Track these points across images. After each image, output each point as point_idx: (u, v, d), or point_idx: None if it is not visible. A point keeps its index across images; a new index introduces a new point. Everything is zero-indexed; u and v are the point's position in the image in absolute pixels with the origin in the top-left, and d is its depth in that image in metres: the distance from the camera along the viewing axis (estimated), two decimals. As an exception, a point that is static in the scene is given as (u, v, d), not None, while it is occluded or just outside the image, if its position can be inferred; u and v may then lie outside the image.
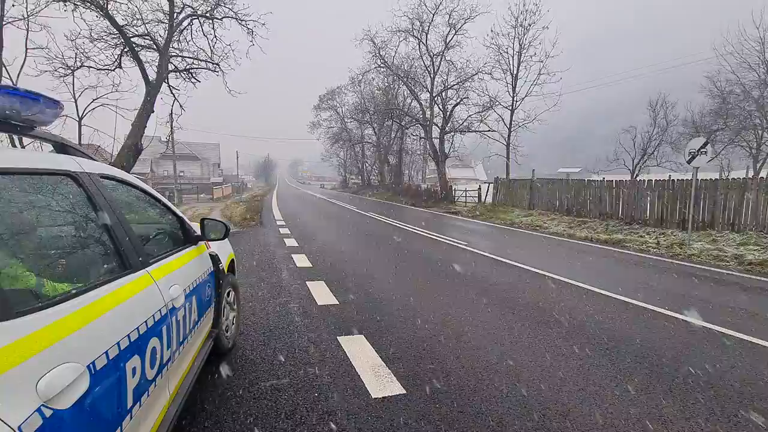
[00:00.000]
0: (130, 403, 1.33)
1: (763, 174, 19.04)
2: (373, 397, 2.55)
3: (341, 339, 3.44)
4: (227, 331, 3.05)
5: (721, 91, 19.84)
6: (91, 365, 1.13)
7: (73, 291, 1.24)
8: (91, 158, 1.79)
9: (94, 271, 1.46)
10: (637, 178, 18.24)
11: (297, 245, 8.18)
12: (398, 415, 2.36)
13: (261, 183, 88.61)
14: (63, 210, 1.47)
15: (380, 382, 2.73)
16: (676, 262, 7.74)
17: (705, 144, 9.03)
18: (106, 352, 1.22)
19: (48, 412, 0.93)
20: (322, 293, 4.78)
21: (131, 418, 1.33)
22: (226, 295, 3.05)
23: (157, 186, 36.43)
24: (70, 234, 1.49)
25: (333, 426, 2.24)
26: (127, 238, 1.62)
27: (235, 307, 3.34)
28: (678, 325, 4.06)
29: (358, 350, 3.23)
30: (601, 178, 14.57)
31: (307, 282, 5.27)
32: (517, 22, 20.14)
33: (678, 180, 11.43)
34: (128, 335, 1.37)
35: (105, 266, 1.51)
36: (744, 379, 2.94)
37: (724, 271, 6.96)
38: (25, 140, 8.88)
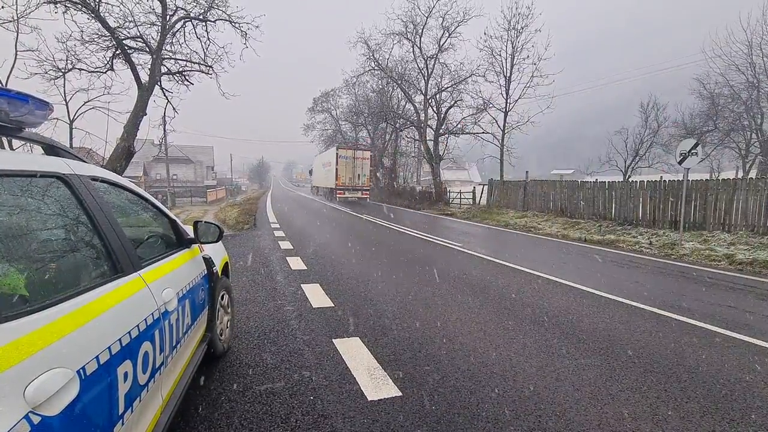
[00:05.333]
0: (121, 409, 1.31)
1: (752, 174, 19.37)
2: (368, 399, 2.53)
3: (336, 341, 3.42)
4: (221, 335, 3.02)
5: (710, 93, 20.13)
6: (81, 370, 1.11)
7: (63, 295, 1.21)
8: (82, 160, 1.77)
9: (84, 275, 1.44)
10: (630, 180, 18.42)
11: (291, 248, 8.15)
12: (394, 417, 2.35)
13: (255, 185, 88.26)
14: (52, 213, 1.44)
15: (376, 384, 2.72)
16: (669, 262, 7.82)
17: (695, 145, 9.15)
18: (97, 357, 1.20)
19: (36, 419, 0.91)
20: (317, 296, 4.76)
21: (123, 423, 1.31)
22: (220, 298, 3.02)
23: (150, 189, 36.16)
24: (60, 237, 1.46)
25: (328, 429, 2.23)
26: (118, 241, 1.60)
27: (229, 310, 3.31)
28: (671, 324, 4.09)
29: (354, 352, 3.21)
30: (594, 180, 14.70)
31: (301, 284, 5.24)
32: (509, 25, 20.29)
33: (669, 181, 11.56)
34: (119, 339, 1.35)
35: (95, 270, 1.49)
36: (737, 377, 2.96)
37: (715, 270, 7.04)
38: (15, 143, 8.77)
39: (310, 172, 30.67)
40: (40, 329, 1.04)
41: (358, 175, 25.68)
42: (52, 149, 1.65)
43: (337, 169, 24.94)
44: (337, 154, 25.26)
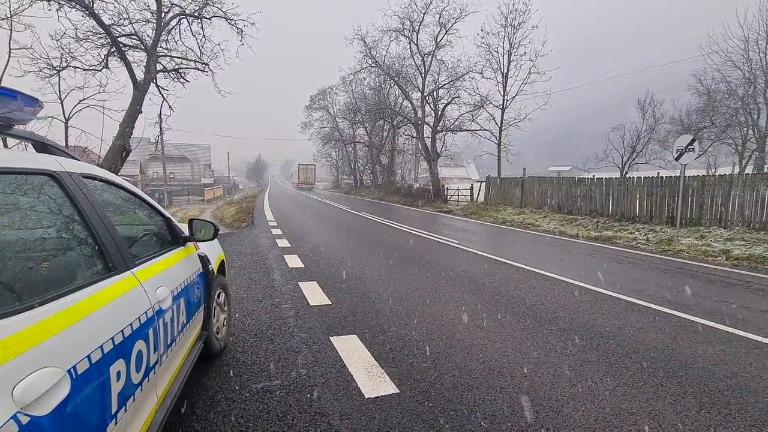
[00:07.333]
0: (114, 408, 1.29)
1: (748, 170, 19.43)
2: (366, 397, 2.53)
3: (334, 339, 3.41)
4: (218, 333, 3.01)
5: (707, 89, 20.14)
6: (72, 369, 1.09)
7: (54, 293, 1.20)
8: (74, 158, 1.75)
9: (75, 273, 1.42)
10: (627, 176, 18.46)
11: (289, 246, 8.13)
12: (392, 414, 2.35)
13: (253, 184, 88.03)
14: (43, 210, 1.42)
15: (373, 381, 2.72)
16: (666, 258, 7.84)
17: (692, 141, 9.17)
18: (89, 356, 1.18)
19: (24, 419, 0.89)
20: (314, 293, 4.75)
21: (116, 423, 1.29)
22: (216, 296, 3.00)
23: (147, 188, 36.05)
24: (51, 235, 1.44)
25: (325, 427, 2.22)
26: (110, 239, 1.58)
27: (225, 308, 3.29)
28: (667, 319, 4.11)
29: (351, 350, 3.21)
30: (591, 176, 14.71)
31: (299, 282, 5.23)
32: (506, 21, 20.25)
33: (666, 177, 11.58)
34: (112, 338, 1.33)
35: (87, 268, 1.47)
36: (733, 373, 2.97)
37: (712, 266, 7.07)
38: (10, 141, 8.70)
39: (291, 175, 66.89)
40: (29, 328, 1.02)
41: (308, 176, 54.64)
42: (43, 146, 1.62)
43: (298, 174, 56.07)
44: (298, 167, 56.95)
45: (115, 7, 10.49)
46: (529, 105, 21.22)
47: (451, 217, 16.38)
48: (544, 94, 20.38)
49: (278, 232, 10.42)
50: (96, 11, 9.79)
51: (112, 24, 10.44)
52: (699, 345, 3.47)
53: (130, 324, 1.48)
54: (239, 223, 12.19)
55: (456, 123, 24.22)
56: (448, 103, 24.03)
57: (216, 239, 2.98)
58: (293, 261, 6.60)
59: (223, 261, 3.53)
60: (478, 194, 22.09)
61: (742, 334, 3.73)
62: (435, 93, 24.66)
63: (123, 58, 10.61)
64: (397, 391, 2.60)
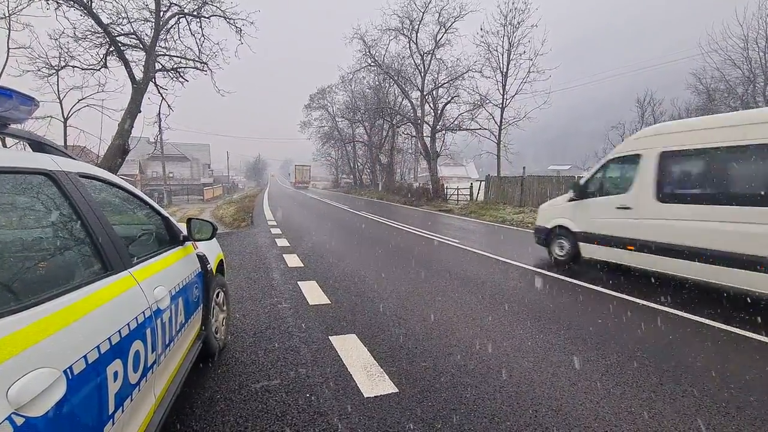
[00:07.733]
0: (112, 409, 1.29)
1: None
2: (365, 396, 2.53)
3: (333, 339, 3.41)
4: (217, 333, 3.00)
5: (706, 88, 20.13)
6: (68, 370, 1.09)
7: (50, 293, 1.19)
8: (71, 157, 1.74)
9: (72, 273, 1.41)
10: (626, 175, 18.42)
11: (289, 245, 8.12)
12: (391, 414, 2.34)
13: (252, 183, 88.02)
14: (40, 210, 1.42)
15: (372, 381, 2.71)
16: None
17: (692, 140, 9.14)
18: (85, 356, 1.18)
19: (19, 420, 0.89)
20: (313, 293, 4.74)
21: (113, 423, 1.29)
22: (215, 296, 3.00)
23: (146, 187, 36.00)
24: (47, 235, 1.44)
25: (325, 426, 2.22)
26: (108, 239, 1.57)
27: (224, 308, 3.29)
28: (666, 319, 4.10)
29: (350, 350, 3.20)
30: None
31: (298, 282, 5.22)
32: (506, 20, 20.29)
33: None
34: (109, 338, 1.32)
35: (84, 268, 1.46)
36: (733, 371, 2.97)
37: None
38: (8, 141, 8.69)
39: (289, 175, 73.58)
40: (24, 328, 1.02)
41: (304, 176, 59.93)
42: (40, 146, 1.61)
43: (295, 173, 61.56)
44: (295, 167, 62.74)
45: (113, 7, 10.50)
46: (528, 104, 21.22)
47: (451, 216, 16.37)
48: (544, 93, 20.45)
49: (277, 231, 10.41)
50: (94, 10, 9.78)
51: (111, 23, 10.44)
52: (696, 343, 3.47)
53: (128, 324, 1.47)
54: (238, 223, 12.18)
55: (455, 122, 24.22)
56: (448, 102, 24.03)
57: (215, 239, 2.97)
58: (292, 260, 6.59)
59: (221, 260, 3.53)
60: (478, 193, 22.08)
61: (740, 331, 3.72)
62: (434, 92, 24.66)
63: (122, 57, 10.60)
64: (397, 390, 2.60)
